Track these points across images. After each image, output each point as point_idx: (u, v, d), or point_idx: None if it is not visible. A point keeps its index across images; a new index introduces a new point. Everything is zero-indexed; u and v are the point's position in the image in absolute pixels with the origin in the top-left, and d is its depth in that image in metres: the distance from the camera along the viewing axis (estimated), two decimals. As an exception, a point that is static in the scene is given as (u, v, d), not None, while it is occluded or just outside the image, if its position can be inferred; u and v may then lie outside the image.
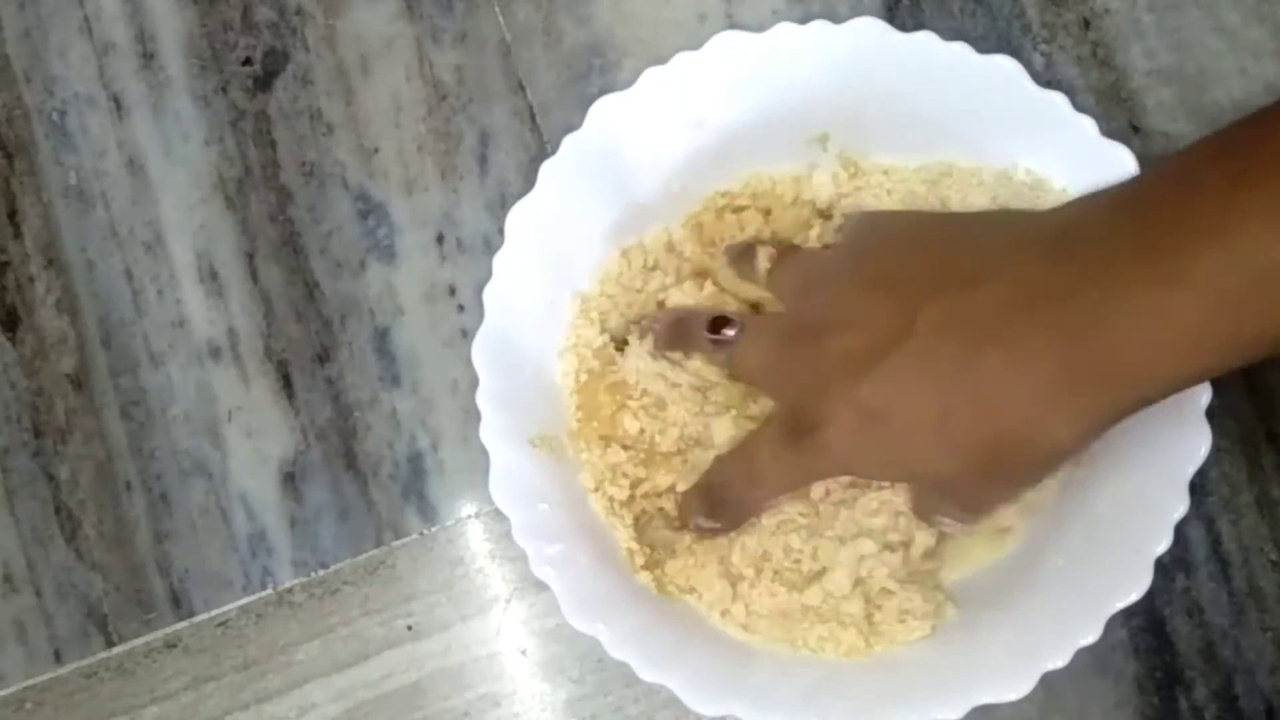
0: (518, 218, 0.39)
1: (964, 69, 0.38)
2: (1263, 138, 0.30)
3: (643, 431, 0.40)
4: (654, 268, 0.42)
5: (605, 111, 0.39)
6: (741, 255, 0.41)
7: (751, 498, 0.39)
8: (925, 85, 0.39)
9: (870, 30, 0.39)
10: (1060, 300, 0.31)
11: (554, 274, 0.40)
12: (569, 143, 0.39)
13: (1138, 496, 0.38)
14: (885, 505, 0.39)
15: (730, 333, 0.39)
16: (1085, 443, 0.34)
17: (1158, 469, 0.37)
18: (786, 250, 0.40)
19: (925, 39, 0.39)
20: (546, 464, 0.40)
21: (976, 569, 0.40)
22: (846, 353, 0.34)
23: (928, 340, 0.33)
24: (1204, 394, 0.37)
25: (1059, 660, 0.36)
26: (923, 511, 0.38)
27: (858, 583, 0.39)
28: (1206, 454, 0.37)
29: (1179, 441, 0.37)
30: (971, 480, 0.35)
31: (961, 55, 0.39)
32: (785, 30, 0.39)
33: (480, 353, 0.39)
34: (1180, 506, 0.37)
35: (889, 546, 0.39)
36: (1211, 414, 0.37)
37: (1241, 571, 0.43)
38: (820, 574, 0.39)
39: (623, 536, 0.40)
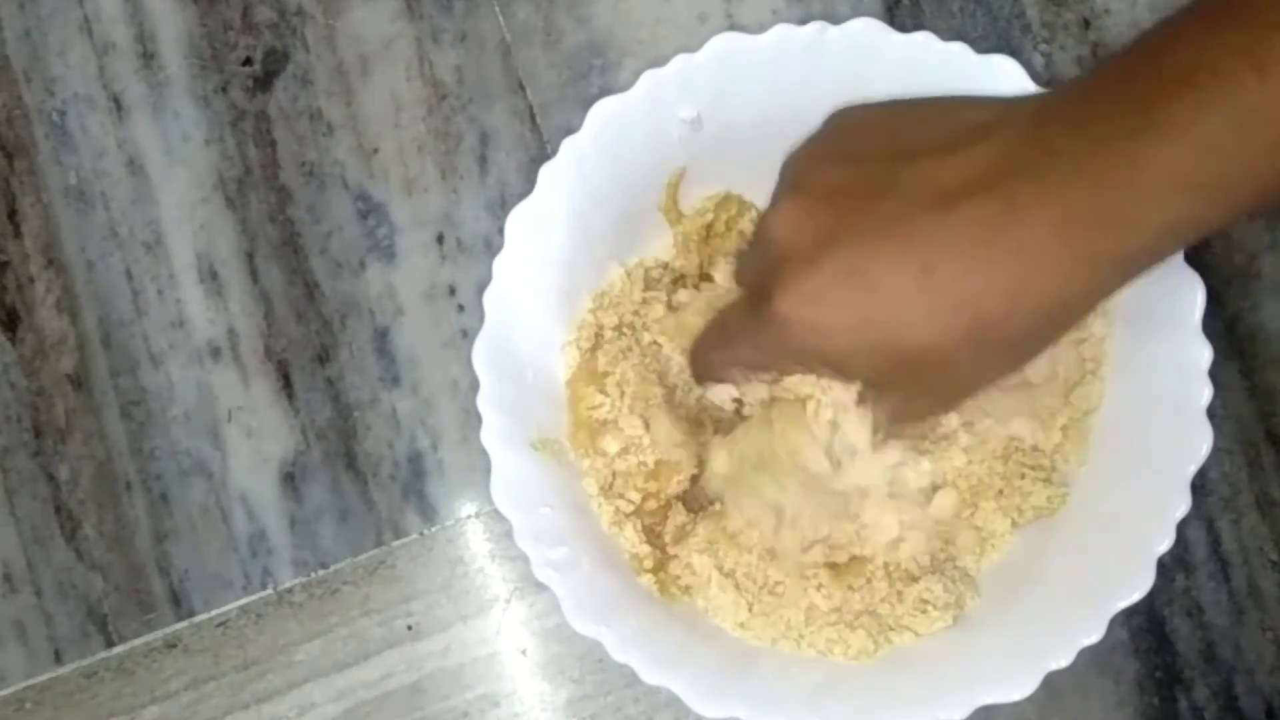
0: (517, 220, 0.39)
1: (962, 69, 0.38)
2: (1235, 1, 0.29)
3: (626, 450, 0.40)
4: (657, 280, 0.42)
5: (603, 114, 0.39)
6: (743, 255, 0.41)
7: (729, 366, 0.38)
8: (923, 86, 0.39)
9: (868, 31, 0.39)
10: (1046, 156, 0.30)
11: (554, 277, 0.40)
12: (568, 145, 0.39)
13: (1139, 496, 0.38)
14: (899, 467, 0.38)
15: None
16: (1074, 306, 0.32)
17: (1159, 468, 0.37)
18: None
19: (923, 39, 0.39)
20: (548, 467, 0.40)
21: (1003, 554, 0.40)
22: (810, 213, 0.33)
23: (907, 198, 0.32)
24: (1204, 392, 0.37)
25: (1062, 660, 0.36)
26: (905, 412, 0.36)
27: (869, 577, 0.39)
28: (1207, 452, 0.37)
29: (1180, 440, 0.37)
30: (958, 352, 0.32)
31: (960, 55, 0.39)
32: (783, 32, 0.39)
33: (481, 356, 0.39)
34: (1181, 505, 0.37)
35: (912, 523, 0.38)
36: (1212, 414, 0.37)
37: (1241, 571, 0.43)
38: (837, 567, 0.39)
39: (627, 540, 0.40)
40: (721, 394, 0.39)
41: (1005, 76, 0.38)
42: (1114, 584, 0.37)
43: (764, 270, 0.34)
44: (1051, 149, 0.30)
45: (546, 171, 0.39)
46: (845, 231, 0.32)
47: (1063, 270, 0.30)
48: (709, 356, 0.39)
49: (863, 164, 0.33)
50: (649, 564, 0.40)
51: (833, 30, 0.39)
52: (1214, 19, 0.29)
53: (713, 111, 0.40)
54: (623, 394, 0.40)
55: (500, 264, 0.39)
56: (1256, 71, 0.27)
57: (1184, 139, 0.28)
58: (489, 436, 0.38)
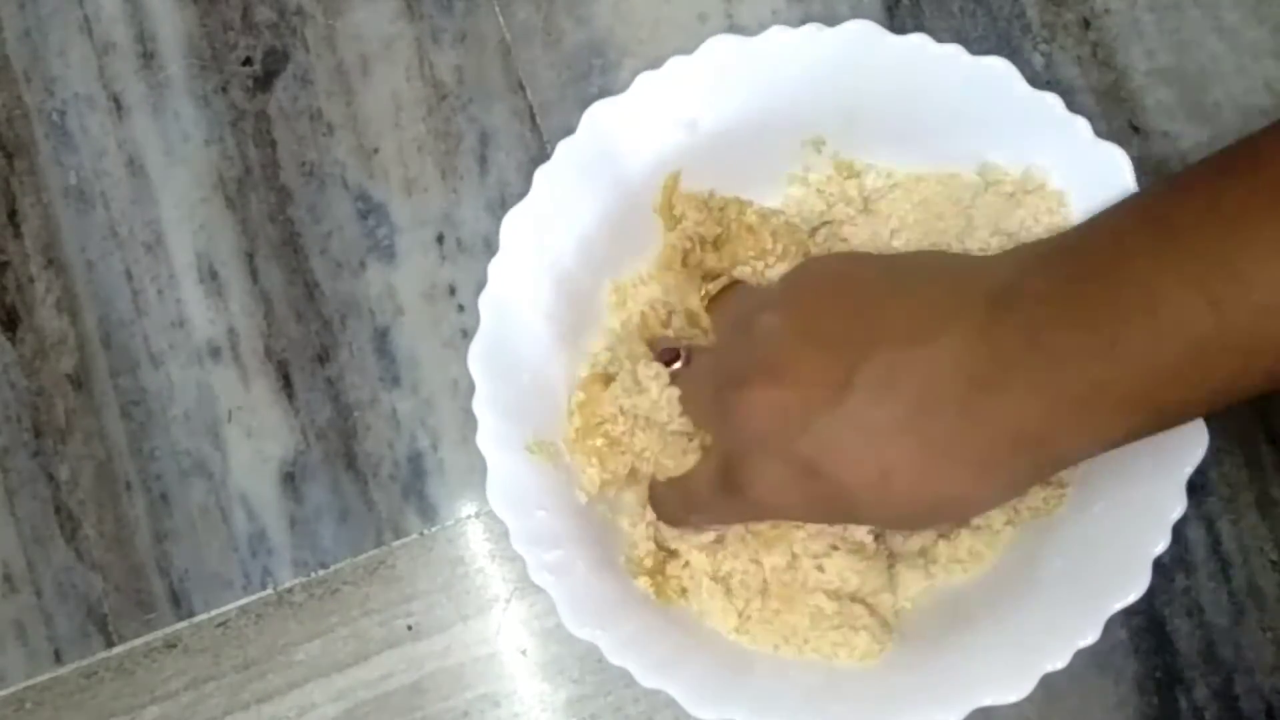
0: (513, 223, 0.39)
1: (957, 71, 0.38)
2: (1183, 202, 0.30)
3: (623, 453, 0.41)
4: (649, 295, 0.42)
5: (599, 116, 0.39)
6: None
7: (690, 521, 0.40)
8: (919, 88, 0.39)
9: (864, 33, 0.39)
10: (1002, 369, 0.32)
11: (550, 280, 0.40)
12: (563, 148, 0.39)
13: (1136, 497, 0.38)
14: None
15: (677, 365, 0.39)
16: (1023, 490, 0.36)
17: (1155, 470, 0.37)
18: (729, 285, 0.41)
19: (919, 41, 0.39)
20: (544, 470, 0.40)
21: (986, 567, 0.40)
22: (779, 407, 0.34)
23: (866, 399, 0.33)
24: None
25: (1058, 661, 0.36)
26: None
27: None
28: (1204, 454, 0.37)
29: (1177, 442, 0.37)
30: (907, 527, 0.39)
31: (955, 57, 0.38)
32: (779, 34, 0.39)
33: (477, 359, 0.39)
34: (1178, 507, 0.37)
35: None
36: (1211, 414, 0.37)
37: (1241, 571, 0.43)
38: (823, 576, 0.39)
39: (628, 538, 0.40)
40: (680, 535, 0.40)
41: (999, 78, 0.38)
42: (1111, 585, 0.37)
43: (731, 446, 0.36)
44: (1006, 362, 0.31)
45: (542, 174, 0.39)
46: (811, 425, 0.34)
47: (1005, 478, 0.33)
48: (672, 513, 0.40)
49: (827, 352, 0.34)
50: (648, 563, 0.40)
51: (828, 32, 0.39)
52: (1164, 242, 0.30)
53: (709, 113, 0.40)
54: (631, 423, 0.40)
55: (496, 266, 0.39)
56: (1212, 306, 0.28)
57: (1143, 368, 0.30)
58: (485, 439, 0.39)
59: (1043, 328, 0.31)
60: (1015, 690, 0.36)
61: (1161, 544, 0.36)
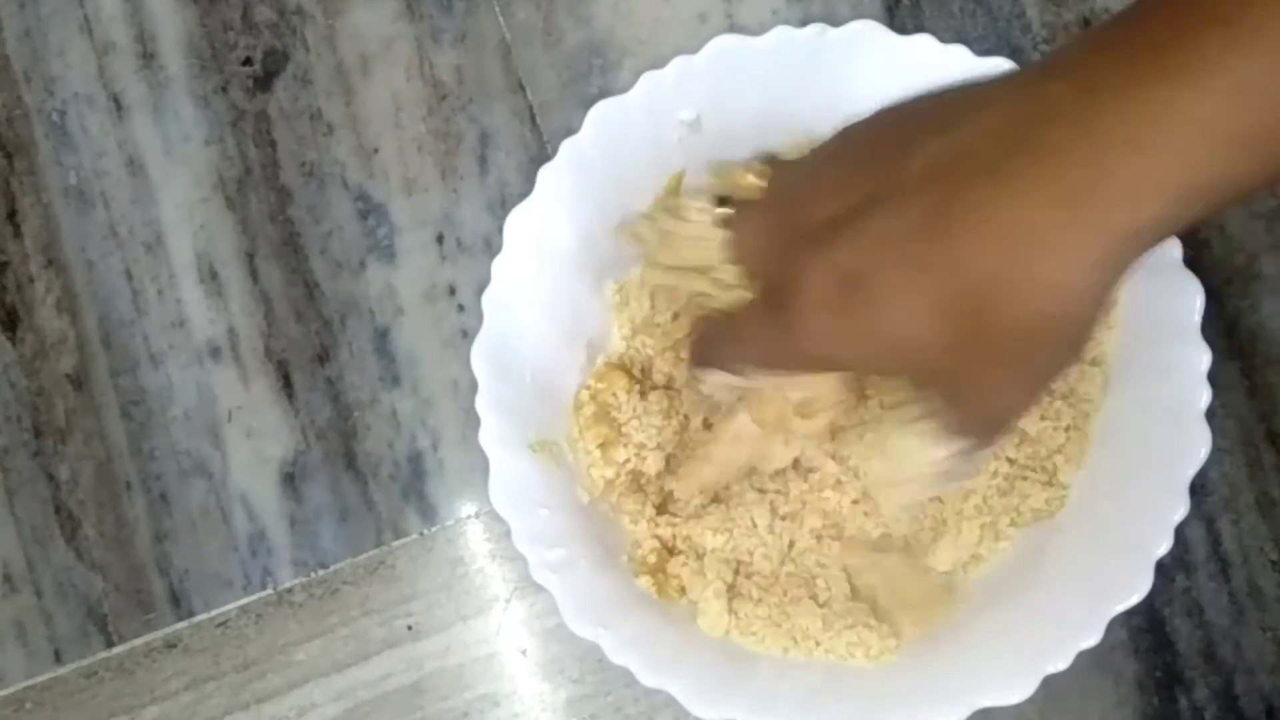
0: (516, 222, 0.39)
1: (962, 71, 0.38)
2: None
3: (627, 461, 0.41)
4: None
5: (603, 115, 0.39)
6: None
7: (728, 360, 0.36)
8: (923, 88, 0.39)
9: (868, 33, 0.39)
10: (1048, 120, 0.27)
11: (553, 279, 0.40)
12: (567, 146, 0.39)
13: (1137, 498, 0.38)
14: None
15: (723, 211, 0.35)
16: (1090, 295, 0.28)
17: (1157, 471, 0.37)
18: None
19: (923, 42, 0.39)
20: (546, 469, 0.40)
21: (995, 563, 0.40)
22: (828, 219, 0.31)
23: (909, 193, 0.29)
24: (1203, 396, 0.37)
25: (1060, 663, 0.36)
26: (937, 426, 0.33)
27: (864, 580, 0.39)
28: (1206, 456, 0.37)
29: (1178, 443, 0.37)
30: (968, 361, 0.29)
31: (959, 57, 0.39)
32: (783, 34, 0.39)
33: (480, 358, 0.39)
34: (1180, 508, 0.37)
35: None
36: (1212, 414, 0.37)
37: (1241, 571, 0.43)
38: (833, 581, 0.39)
39: (630, 536, 0.40)
40: (719, 385, 0.38)
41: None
42: (1112, 586, 0.37)
43: (783, 272, 0.32)
44: (1056, 109, 0.27)
45: (546, 173, 0.39)
46: (855, 229, 0.30)
47: (1068, 253, 0.27)
48: (716, 349, 0.37)
49: (866, 167, 0.31)
50: (651, 560, 0.40)
51: (832, 32, 0.39)
52: None
53: (712, 113, 0.40)
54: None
55: (499, 265, 0.39)
56: None
57: (1216, 80, 0.25)
58: (487, 438, 0.38)
59: (1097, 71, 0.26)
60: (1017, 691, 0.36)
61: (1164, 545, 0.36)
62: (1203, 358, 0.37)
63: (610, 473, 0.40)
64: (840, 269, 0.30)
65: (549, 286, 0.40)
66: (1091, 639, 0.36)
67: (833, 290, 0.30)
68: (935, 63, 0.39)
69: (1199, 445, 0.37)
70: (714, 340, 0.37)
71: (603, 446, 0.40)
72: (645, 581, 0.40)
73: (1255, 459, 0.43)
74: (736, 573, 0.40)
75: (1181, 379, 0.37)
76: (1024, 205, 0.27)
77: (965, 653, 0.38)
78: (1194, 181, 0.26)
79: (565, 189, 0.39)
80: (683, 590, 0.40)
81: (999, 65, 0.38)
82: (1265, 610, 0.42)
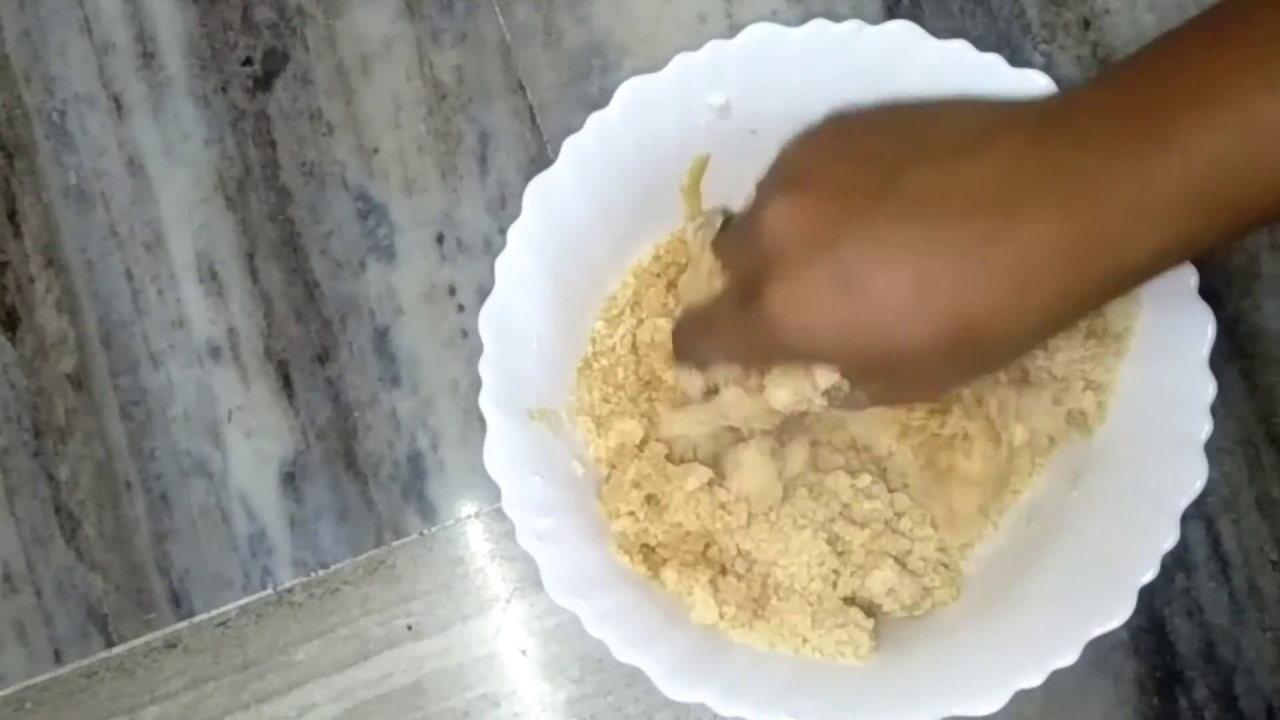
0: (536, 190, 0.39)
1: (993, 81, 0.38)
2: (1245, 17, 0.29)
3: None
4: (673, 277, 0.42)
5: (632, 92, 0.39)
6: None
7: (707, 355, 0.38)
8: (954, 93, 0.38)
9: (906, 34, 0.38)
10: (1048, 173, 0.30)
11: (568, 248, 0.40)
12: (594, 120, 0.39)
13: (1128, 523, 0.37)
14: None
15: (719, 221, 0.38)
16: (1064, 319, 0.32)
17: (1150, 497, 0.37)
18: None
19: (959, 47, 0.38)
20: (543, 437, 0.39)
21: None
22: (810, 214, 0.32)
23: (908, 205, 0.31)
24: (1204, 427, 0.37)
25: (1034, 679, 0.36)
26: (880, 400, 0.36)
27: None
28: (1201, 487, 0.36)
29: (1174, 472, 0.37)
30: (936, 358, 0.33)
31: (993, 66, 0.38)
32: (819, 27, 0.39)
33: (487, 321, 0.39)
34: (1170, 537, 0.36)
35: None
36: (1211, 412, 0.37)
37: (1241, 571, 0.43)
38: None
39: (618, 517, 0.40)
40: (692, 383, 0.39)
41: (1037, 90, 0.38)
42: (1093, 609, 0.36)
43: (755, 264, 0.34)
44: (1054, 166, 0.30)
45: (570, 144, 0.39)
46: (844, 233, 0.32)
47: (1058, 287, 0.31)
48: (691, 342, 0.39)
49: (865, 164, 0.33)
50: (636, 544, 0.40)
51: (869, 30, 0.38)
52: (1219, 35, 0.29)
53: (742, 100, 0.39)
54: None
55: (515, 231, 0.39)
56: (1269, 88, 0.27)
57: (1193, 157, 0.28)
58: (486, 401, 0.38)
59: (1090, 132, 0.30)
60: (986, 703, 0.36)
61: (1149, 573, 0.36)
62: (1208, 388, 0.37)
63: (611, 445, 0.40)
64: (839, 267, 0.32)
65: (564, 256, 0.40)
66: (1068, 659, 0.36)
67: (830, 285, 0.32)
68: (969, 70, 0.38)
69: (1195, 475, 0.36)
70: (688, 332, 0.38)
71: (600, 390, 0.41)
72: (630, 560, 0.39)
73: (1255, 459, 0.43)
74: (723, 569, 0.40)
75: (1184, 408, 0.37)
76: (1027, 246, 0.30)
77: (940, 659, 0.38)
78: (1172, 239, 0.30)
79: (588, 161, 0.39)
80: (657, 575, 0.40)
81: (1033, 78, 0.38)
82: (1265, 610, 0.42)
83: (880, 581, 0.39)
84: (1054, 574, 0.38)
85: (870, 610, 0.40)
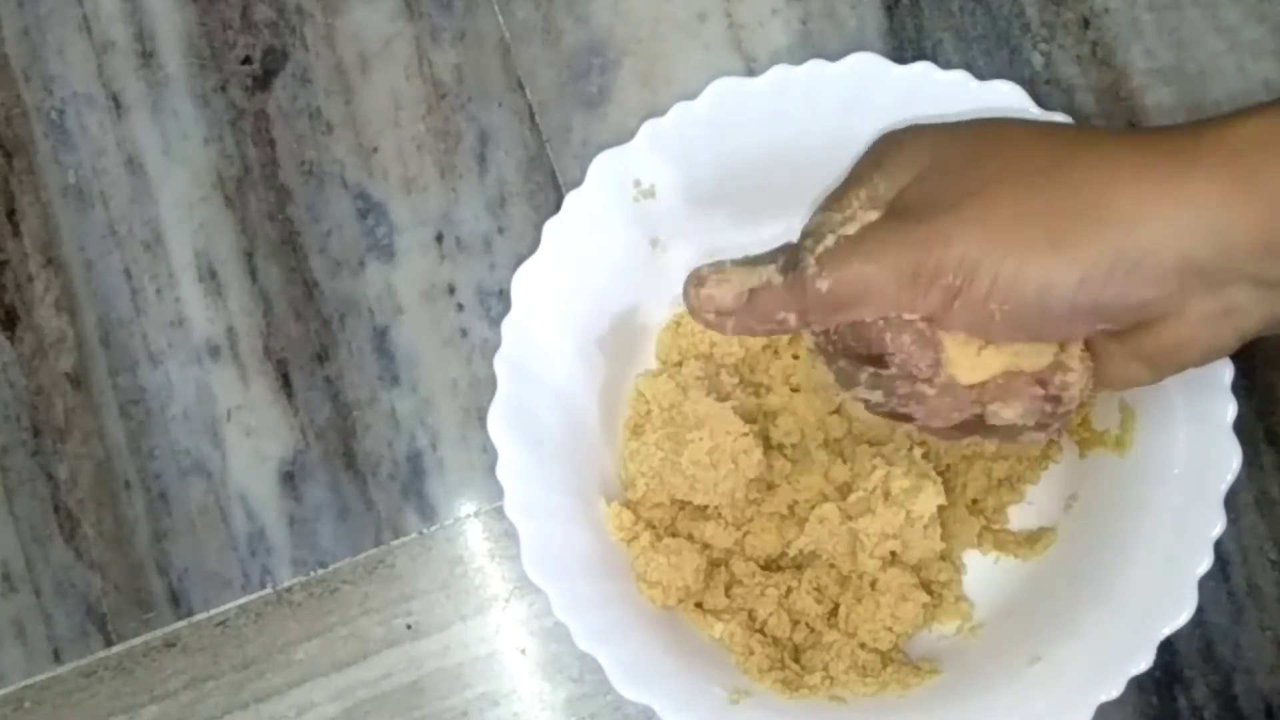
0: (524, 279, 0.39)
1: (966, 97, 0.38)
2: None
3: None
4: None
5: (605, 167, 0.39)
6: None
7: (866, 275, 0.33)
8: (926, 116, 0.38)
9: (867, 66, 0.39)
10: (1116, 193, 0.31)
11: (570, 328, 0.40)
12: (571, 200, 0.39)
13: (1174, 517, 0.37)
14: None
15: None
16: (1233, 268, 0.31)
17: (1191, 488, 0.37)
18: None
19: (923, 69, 0.38)
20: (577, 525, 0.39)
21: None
22: (1007, 165, 0.33)
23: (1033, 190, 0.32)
24: (1228, 409, 0.37)
25: (1113, 690, 0.36)
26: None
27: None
28: (1238, 468, 0.37)
29: (1209, 458, 0.37)
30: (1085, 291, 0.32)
31: (962, 84, 0.38)
32: (781, 72, 0.39)
33: (497, 424, 0.38)
34: (1218, 524, 0.37)
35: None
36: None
37: (1241, 571, 0.43)
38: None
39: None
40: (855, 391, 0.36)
41: (1008, 103, 0.38)
42: (1157, 609, 0.37)
43: (940, 185, 0.33)
44: (1117, 187, 0.31)
45: (550, 229, 0.39)
46: (1007, 187, 0.32)
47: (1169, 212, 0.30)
48: (851, 269, 0.33)
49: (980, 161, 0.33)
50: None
51: (831, 68, 0.39)
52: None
53: (717, 158, 0.40)
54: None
55: (510, 325, 0.39)
56: None
57: (1200, 218, 0.30)
58: (513, 509, 0.38)
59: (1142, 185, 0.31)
60: None
61: (1205, 563, 0.36)
62: (1226, 368, 0.37)
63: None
64: (1010, 198, 0.32)
65: (566, 333, 0.40)
66: (1143, 664, 0.36)
67: (1009, 207, 0.32)
68: (937, 91, 0.38)
69: (1230, 457, 0.37)
70: (847, 257, 0.34)
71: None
72: (621, 538, 0.40)
73: (1255, 459, 0.43)
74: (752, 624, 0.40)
75: (1205, 390, 0.37)
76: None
77: (1014, 687, 0.37)
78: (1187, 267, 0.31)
79: (570, 246, 0.39)
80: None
81: (1002, 89, 0.38)
82: (1264, 609, 0.42)
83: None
84: (1109, 584, 0.38)
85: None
